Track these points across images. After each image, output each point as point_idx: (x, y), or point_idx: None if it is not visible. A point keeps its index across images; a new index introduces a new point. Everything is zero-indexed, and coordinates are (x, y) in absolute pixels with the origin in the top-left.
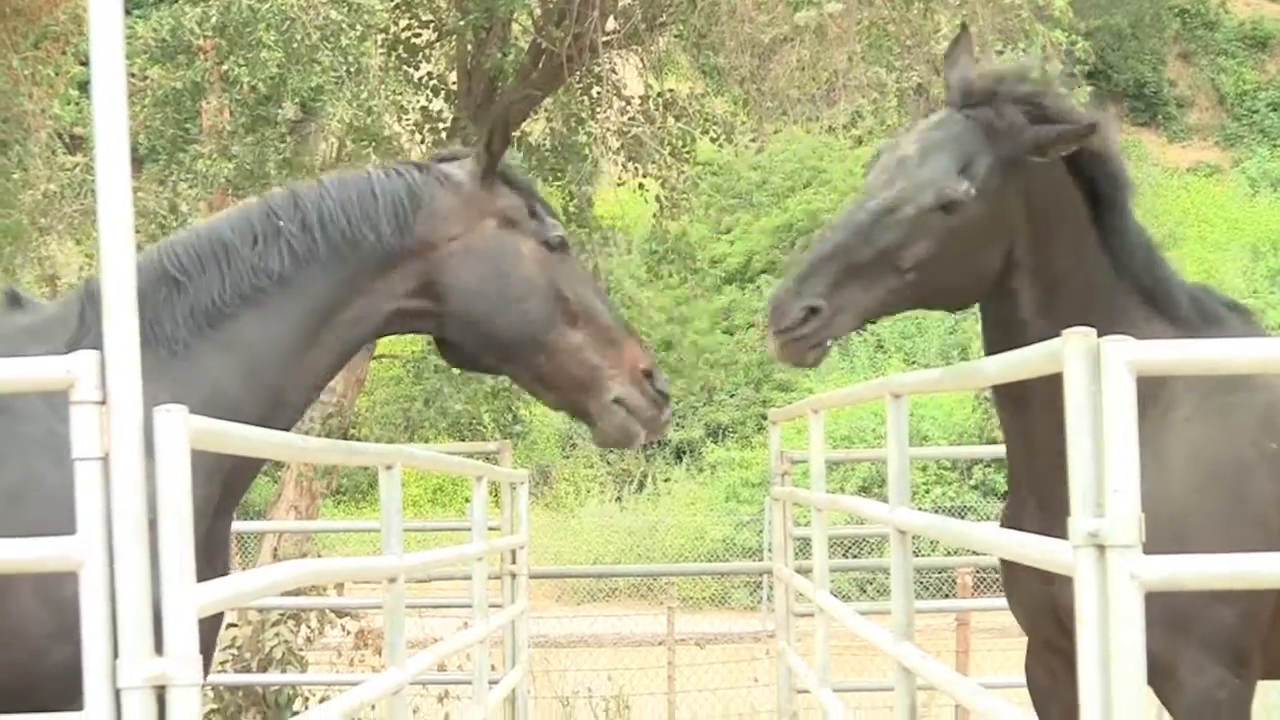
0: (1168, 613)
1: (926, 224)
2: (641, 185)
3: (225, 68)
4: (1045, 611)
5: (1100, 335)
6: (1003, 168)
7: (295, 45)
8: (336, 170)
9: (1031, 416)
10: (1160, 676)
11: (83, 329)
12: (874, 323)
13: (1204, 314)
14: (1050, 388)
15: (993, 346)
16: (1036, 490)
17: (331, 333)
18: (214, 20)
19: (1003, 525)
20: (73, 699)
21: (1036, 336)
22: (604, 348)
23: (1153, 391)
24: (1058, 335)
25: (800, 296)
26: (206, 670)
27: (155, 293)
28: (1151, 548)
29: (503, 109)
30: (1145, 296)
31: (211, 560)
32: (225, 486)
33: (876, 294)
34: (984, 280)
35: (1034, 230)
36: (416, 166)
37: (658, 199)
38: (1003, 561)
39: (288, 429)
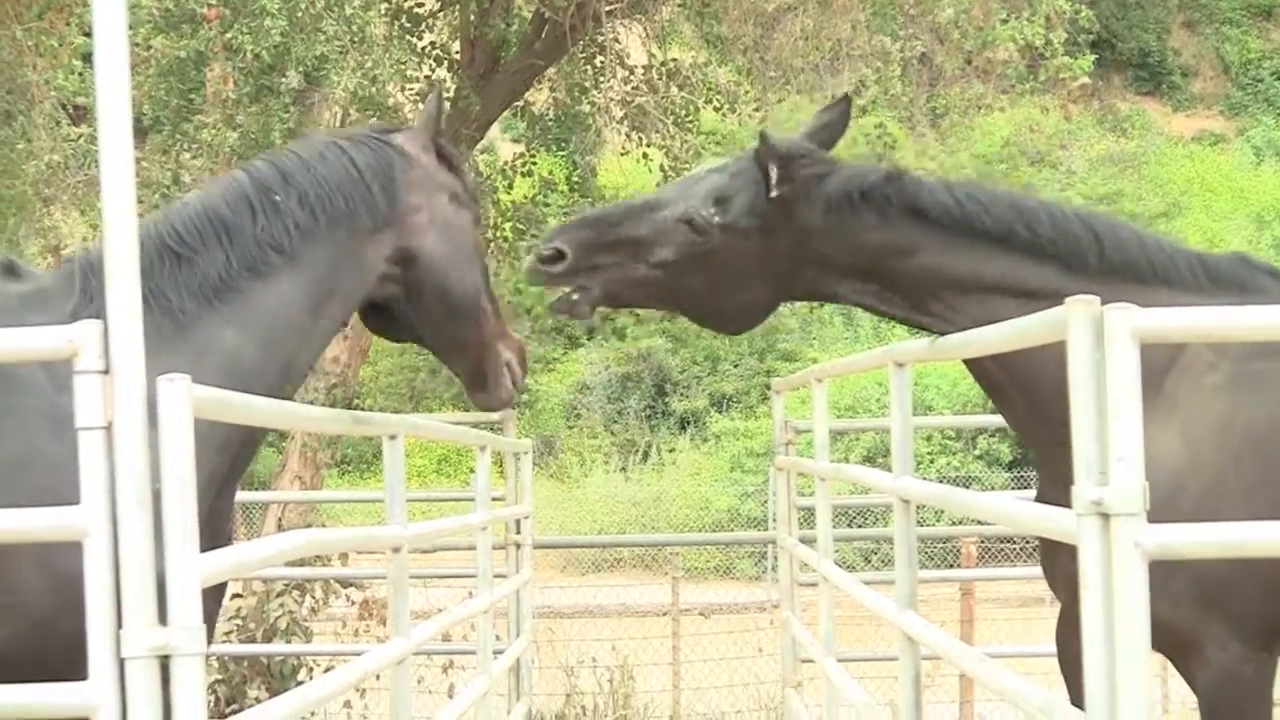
0: (1194, 587)
1: (674, 232)
2: (645, 155)
3: (229, 36)
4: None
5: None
6: (761, 213)
7: (299, 14)
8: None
9: (1004, 397)
10: (1184, 650)
11: (84, 298)
12: (628, 307)
13: (1219, 280)
14: (1017, 367)
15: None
16: (1041, 461)
17: (335, 302)
18: None
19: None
20: (80, 668)
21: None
22: (497, 317)
23: (1169, 356)
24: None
25: (553, 239)
26: (209, 640)
27: (159, 265)
28: (1181, 520)
29: (503, 82)
30: (1128, 276)
31: (216, 531)
32: (233, 459)
33: (626, 276)
34: (739, 312)
35: (864, 269)
36: (375, 138)
37: (661, 169)
38: (1041, 538)
39: (290, 399)
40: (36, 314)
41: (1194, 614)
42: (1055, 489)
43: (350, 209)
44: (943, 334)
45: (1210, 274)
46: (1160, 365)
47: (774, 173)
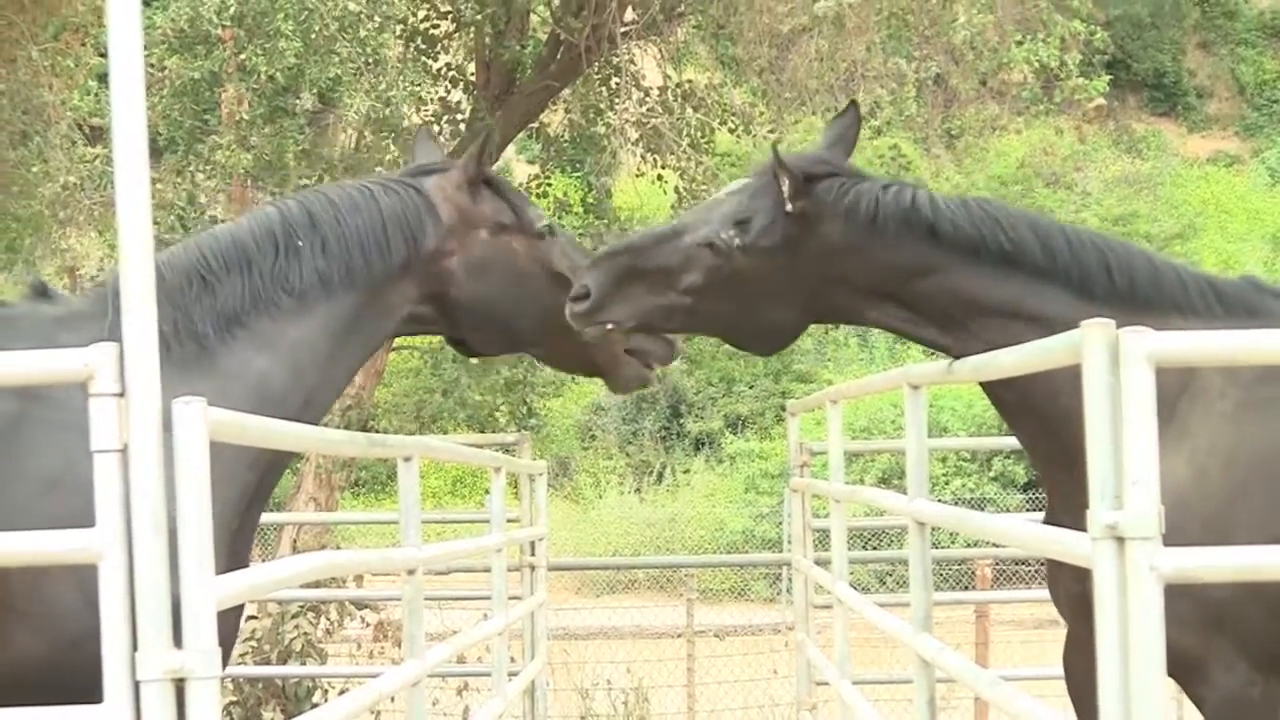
0: (1201, 611)
1: (699, 258)
2: (660, 177)
3: (243, 58)
4: (1081, 610)
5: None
6: (781, 231)
7: (313, 35)
8: (355, 162)
9: (1016, 419)
10: (1191, 673)
11: (118, 318)
12: (661, 333)
13: (1229, 305)
14: (1026, 391)
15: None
16: (1053, 486)
17: (357, 338)
18: (232, 10)
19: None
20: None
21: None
22: None
23: (1182, 381)
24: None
25: (583, 276)
26: (226, 660)
27: (188, 290)
28: (1189, 545)
29: (518, 103)
30: (1136, 304)
31: (236, 550)
32: (262, 476)
33: (655, 303)
34: (770, 332)
35: (884, 289)
36: (406, 184)
37: (676, 190)
38: (1048, 559)
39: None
40: (70, 335)
41: (1200, 637)
42: (1065, 512)
43: (367, 259)
44: (959, 357)
45: (1220, 298)
46: (1173, 390)
47: (788, 188)
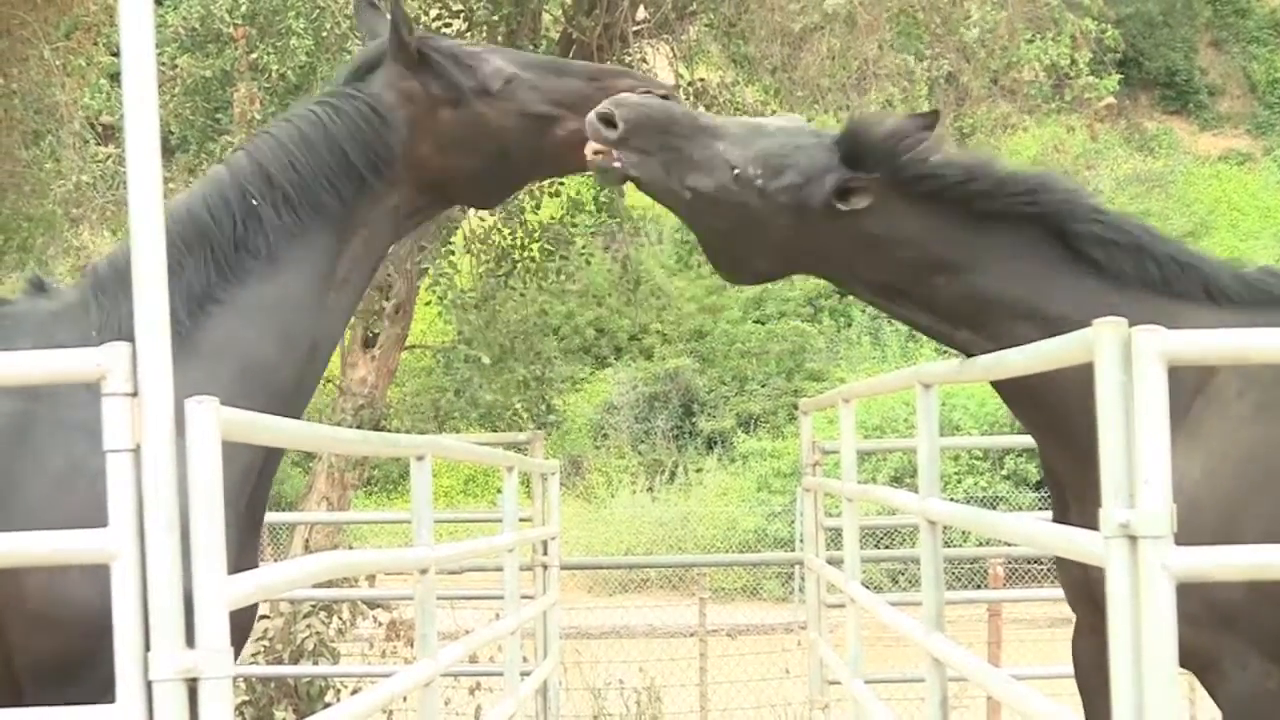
0: (1214, 609)
1: (717, 170)
2: None
3: (255, 56)
4: (1084, 595)
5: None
6: (807, 198)
7: (325, 34)
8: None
9: (1029, 413)
10: (1206, 669)
11: (100, 314)
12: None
13: (1256, 293)
14: (1039, 385)
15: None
16: (1061, 481)
17: (346, 268)
18: (244, 9)
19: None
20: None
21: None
22: (597, 88)
23: (1199, 381)
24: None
25: (617, 107)
26: (236, 656)
27: None
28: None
29: None
30: (1162, 292)
31: (243, 533)
32: (260, 476)
33: (661, 176)
34: (752, 274)
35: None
36: (351, 95)
37: None
38: None
39: (319, 378)
40: (67, 330)
41: (1211, 634)
42: (1076, 510)
43: (338, 192)
44: (969, 354)
45: (1247, 287)
46: (1189, 389)
47: (851, 199)
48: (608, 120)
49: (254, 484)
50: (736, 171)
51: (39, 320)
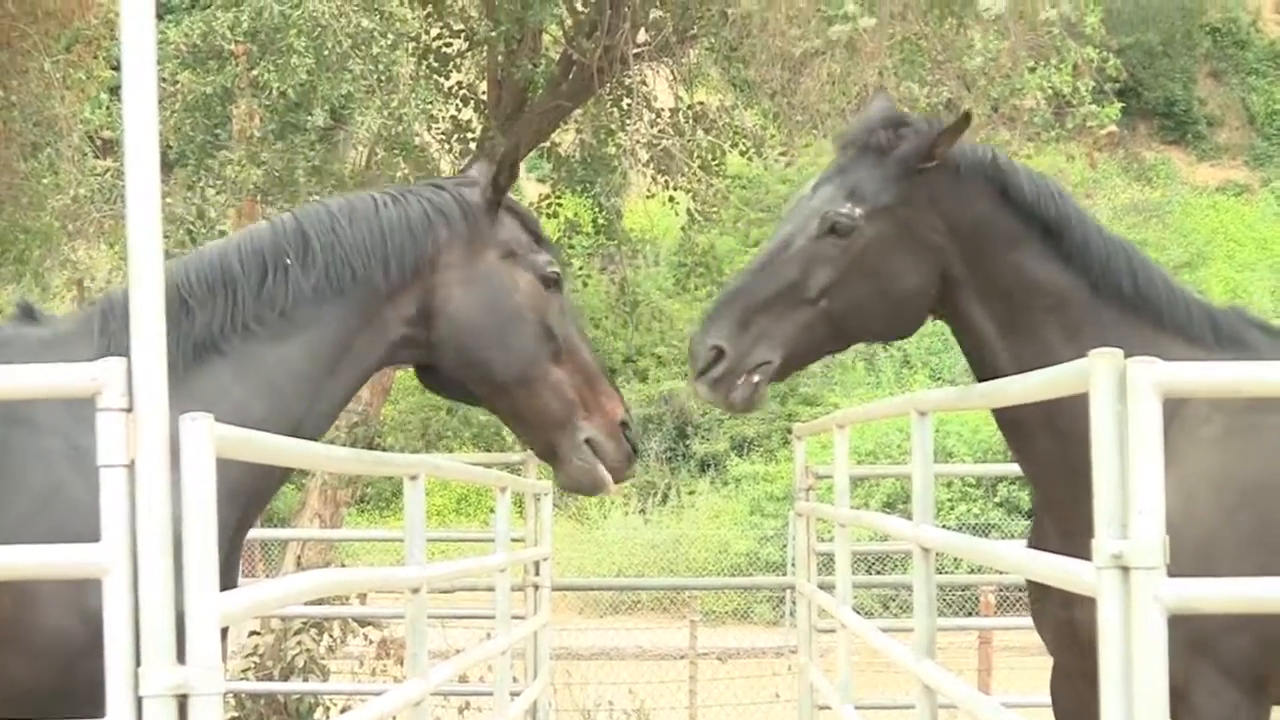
0: (1187, 636)
1: (821, 252)
2: (673, 198)
3: (256, 73)
4: (1068, 638)
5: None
6: (895, 184)
7: (326, 52)
8: (366, 179)
9: (1029, 441)
10: (1176, 699)
11: (103, 341)
12: (807, 364)
13: (1221, 335)
14: (1043, 412)
15: (978, 372)
16: (1051, 513)
17: (348, 362)
18: (245, 26)
19: (1029, 547)
20: (101, 706)
21: (1006, 358)
22: (582, 389)
23: (1172, 409)
24: (1026, 354)
25: (705, 338)
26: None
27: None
28: (1176, 573)
29: (529, 123)
30: (1146, 316)
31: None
32: (245, 509)
33: (791, 328)
34: (912, 303)
35: (964, 248)
36: (432, 186)
37: (689, 212)
38: (1030, 586)
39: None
40: (56, 358)
41: (1185, 662)
42: (1057, 539)
43: (367, 273)
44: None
45: (1215, 327)
46: (1164, 418)
47: (927, 144)
48: (714, 358)
49: (229, 548)
50: (838, 227)
51: (27, 347)
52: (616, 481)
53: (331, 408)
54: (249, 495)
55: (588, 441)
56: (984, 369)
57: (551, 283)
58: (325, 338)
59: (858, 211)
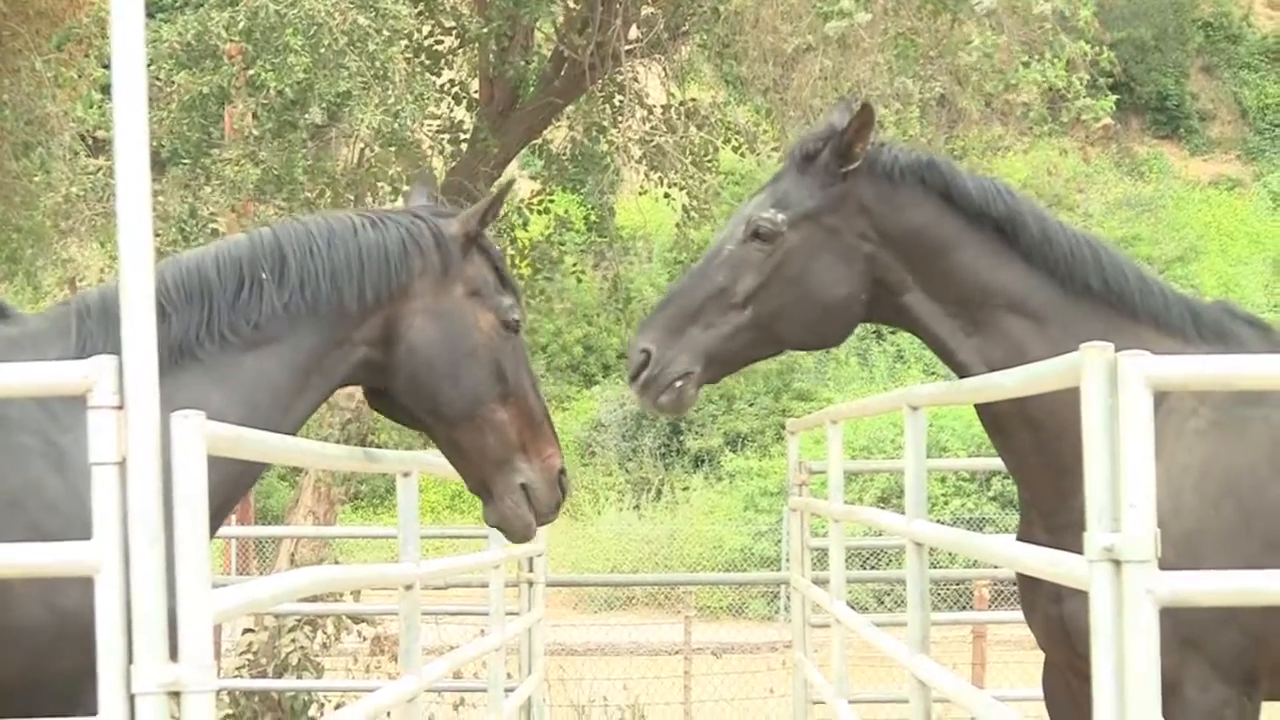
0: (1177, 630)
1: (747, 257)
2: (667, 195)
3: (252, 73)
4: (1058, 633)
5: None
6: (819, 191)
7: (322, 50)
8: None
9: (1008, 436)
10: (1166, 693)
11: (79, 341)
12: (739, 367)
13: (1203, 328)
14: (1018, 405)
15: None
16: (1038, 507)
17: (317, 380)
18: (241, 25)
19: (1018, 541)
20: (75, 705)
21: (972, 359)
22: (524, 432)
23: (1156, 401)
24: (995, 354)
25: (637, 342)
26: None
27: None
28: (1162, 565)
29: (521, 120)
30: (1120, 310)
31: None
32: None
33: (720, 333)
34: (839, 310)
35: (901, 254)
36: (410, 215)
37: (685, 209)
38: (1020, 581)
39: (256, 479)
40: (26, 357)
41: (1175, 657)
42: (1047, 532)
43: (338, 293)
44: (962, 375)
45: (1197, 321)
46: None
47: (844, 144)
48: (643, 361)
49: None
50: (761, 233)
51: None
52: (540, 525)
53: (297, 423)
54: (222, 499)
55: (523, 486)
56: (954, 370)
57: (511, 326)
58: (299, 353)
59: (780, 217)
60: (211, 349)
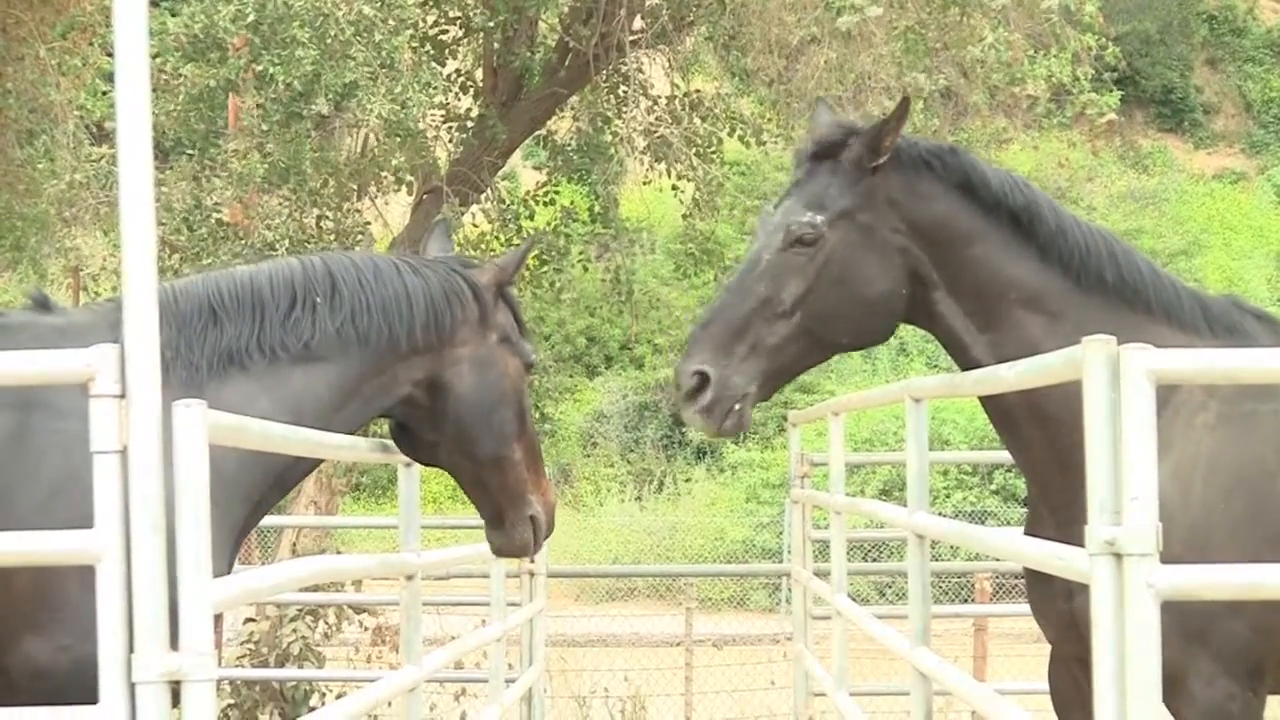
0: (1182, 623)
1: (789, 264)
2: (675, 187)
3: (260, 66)
4: (1069, 627)
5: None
6: (851, 188)
7: (329, 41)
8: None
9: (1017, 430)
10: (1171, 686)
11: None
12: (793, 377)
13: (1214, 322)
14: (1028, 400)
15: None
16: (1048, 502)
17: (356, 403)
18: (250, 18)
19: (1026, 534)
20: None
21: (986, 355)
22: (531, 467)
23: (1163, 395)
24: (1008, 349)
25: (688, 364)
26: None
27: (195, 319)
28: (1169, 558)
29: (526, 110)
30: (1134, 304)
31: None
32: (254, 511)
33: (771, 346)
34: (884, 306)
35: (928, 246)
36: (444, 265)
37: (694, 200)
38: (1028, 576)
39: (285, 494)
40: (71, 346)
41: (1180, 650)
42: (1053, 526)
43: (389, 329)
44: (966, 368)
45: (1207, 314)
46: (1158, 404)
47: (874, 141)
48: (698, 385)
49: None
50: (803, 239)
51: (37, 333)
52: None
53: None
54: (260, 498)
55: (532, 517)
56: (967, 369)
57: (530, 368)
58: (345, 377)
59: (819, 219)
60: (260, 361)
